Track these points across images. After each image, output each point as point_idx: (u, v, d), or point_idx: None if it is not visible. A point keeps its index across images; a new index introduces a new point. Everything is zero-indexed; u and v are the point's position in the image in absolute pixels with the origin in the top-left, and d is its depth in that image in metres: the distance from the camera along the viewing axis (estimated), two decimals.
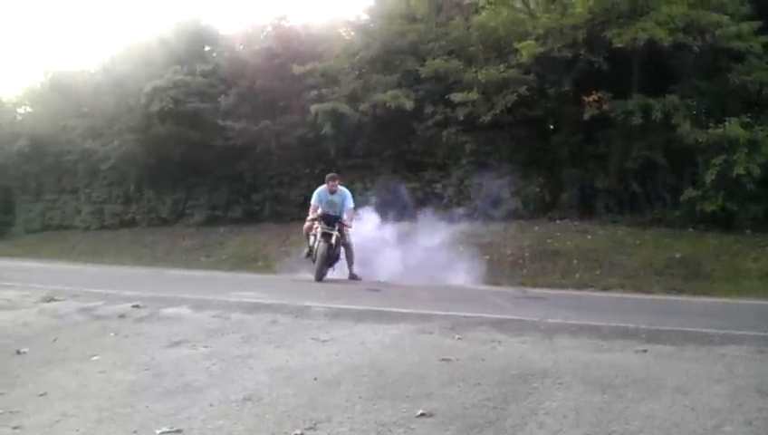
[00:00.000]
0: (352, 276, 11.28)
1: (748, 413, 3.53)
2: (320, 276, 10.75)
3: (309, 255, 11.41)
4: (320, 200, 11.44)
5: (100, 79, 20.72)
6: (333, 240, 10.96)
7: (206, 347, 5.03)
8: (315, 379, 4.16)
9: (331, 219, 11.14)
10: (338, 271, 11.45)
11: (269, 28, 19.32)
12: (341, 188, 11.65)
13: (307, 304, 6.75)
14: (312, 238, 11.33)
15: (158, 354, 4.87)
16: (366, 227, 12.48)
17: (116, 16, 34.83)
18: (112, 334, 5.57)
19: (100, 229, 20.70)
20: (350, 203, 11.54)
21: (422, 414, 3.53)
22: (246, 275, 11.98)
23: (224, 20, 32.04)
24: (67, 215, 22.46)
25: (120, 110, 20.19)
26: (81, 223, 21.70)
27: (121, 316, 6.25)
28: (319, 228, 11.00)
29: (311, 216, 11.42)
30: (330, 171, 12.73)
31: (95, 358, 4.86)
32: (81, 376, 4.46)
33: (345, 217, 11.28)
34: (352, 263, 11.42)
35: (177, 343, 5.16)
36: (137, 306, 6.64)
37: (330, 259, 11.08)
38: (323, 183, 11.72)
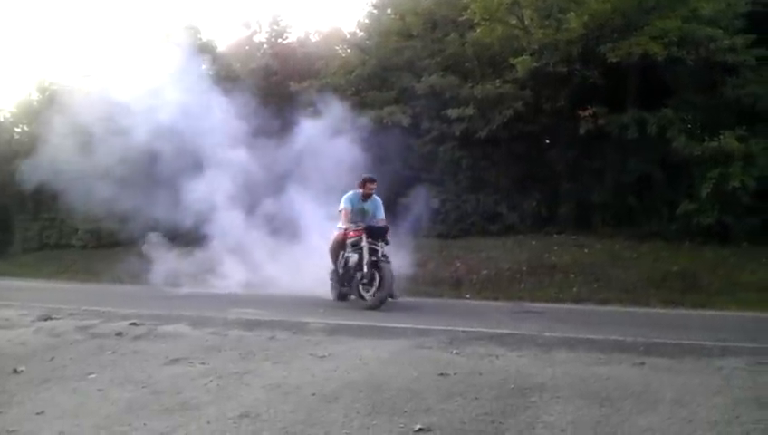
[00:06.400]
0: (392, 295, 9.47)
1: (746, 425, 3.54)
2: (344, 296, 9.85)
3: (338, 275, 9.93)
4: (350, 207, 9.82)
5: (96, 96, 20.69)
6: (377, 257, 9.25)
7: (203, 364, 5.03)
8: (313, 395, 4.16)
9: (379, 232, 9.46)
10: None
11: (266, 46, 19.40)
12: (374, 195, 10.01)
13: (305, 320, 6.77)
14: (341, 254, 9.75)
15: (155, 372, 4.87)
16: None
17: (112, 32, 34.87)
18: (110, 352, 5.56)
19: (97, 248, 20.64)
20: (382, 213, 9.97)
21: (420, 429, 3.54)
22: (245, 291, 11.90)
23: (221, 37, 32.28)
24: (64, 234, 22.38)
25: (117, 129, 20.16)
26: (78, 242, 21.64)
27: (119, 334, 6.26)
28: (365, 244, 9.22)
29: (344, 224, 9.62)
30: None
31: (92, 376, 4.86)
32: (78, 394, 4.46)
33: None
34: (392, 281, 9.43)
35: (175, 361, 5.16)
36: (134, 324, 6.65)
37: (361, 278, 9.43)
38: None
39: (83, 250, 20.99)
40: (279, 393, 4.23)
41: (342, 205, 9.76)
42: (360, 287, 9.35)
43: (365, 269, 9.14)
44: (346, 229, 9.57)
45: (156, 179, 14.45)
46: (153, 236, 14.84)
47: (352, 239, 9.44)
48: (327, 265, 10.90)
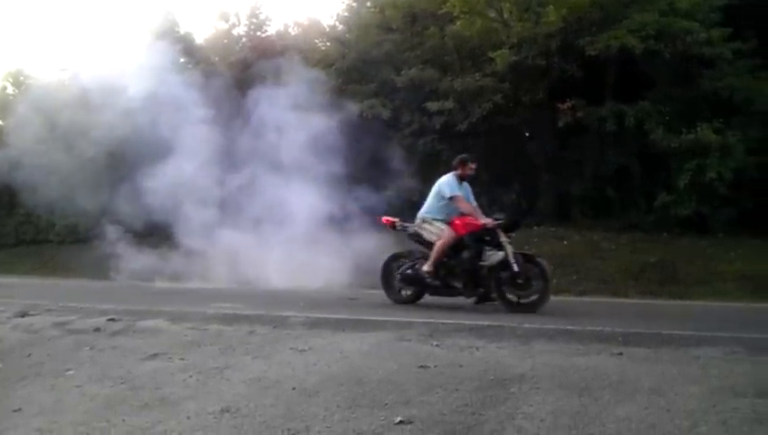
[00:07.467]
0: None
1: (723, 414, 3.58)
2: (417, 297, 8.72)
3: (437, 274, 8.25)
4: None
5: (73, 90, 20.44)
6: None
7: (182, 359, 5.00)
8: (293, 389, 4.15)
9: (516, 226, 8.59)
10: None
11: (244, 39, 19.27)
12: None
13: (285, 314, 6.75)
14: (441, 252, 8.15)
15: (134, 368, 4.84)
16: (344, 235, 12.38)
17: (89, 25, 34.41)
18: (87, 348, 5.51)
19: (74, 243, 20.44)
20: (473, 199, 8.68)
21: (401, 422, 3.54)
22: (224, 286, 11.84)
23: (199, 30, 31.91)
24: (41, 229, 22.11)
25: (92, 122, 19.92)
26: (55, 237, 21.39)
27: (96, 330, 6.20)
28: (504, 239, 7.85)
29: (482, 219, 8.10)
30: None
31: (70, 372, 4.81)
32: (56, 391, 4.41)
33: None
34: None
35: (154, 356, 5.12)
36: (112, 320, 6.60)
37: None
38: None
39: (60, 245, 20.75)
40: (259, 388, 4.22)
41: (451, 191, 8.22)
42: (510, 289, 7.90)
43: (516, 268, 7.72)
44: (464, 221, 8.14)
45: (129, 173, 14.31)
46: (112, 231, 14.73)
47: (477, 234, 8.06)
48: (305, 257, 10.91)
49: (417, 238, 8.63)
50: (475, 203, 8.58)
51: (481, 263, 7.95)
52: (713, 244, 12.21)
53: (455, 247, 8.14)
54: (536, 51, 14.02)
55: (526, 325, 5.87)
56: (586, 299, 10.21)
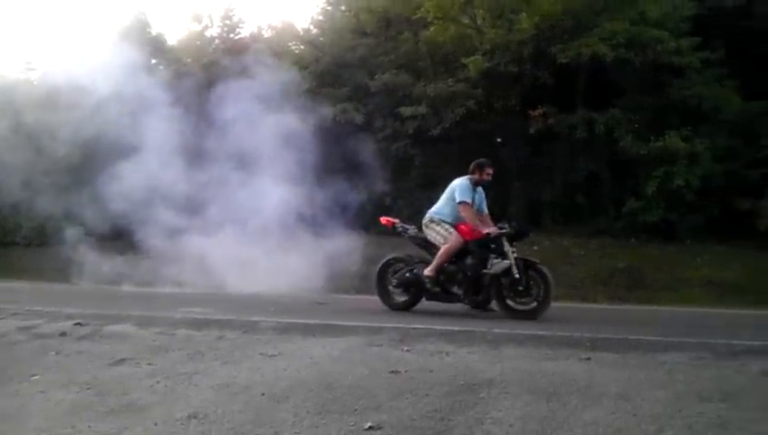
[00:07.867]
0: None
1: (688, 418, 3.64)
2: (412, 304, 8.35)
3: (436, 279, 7.96)
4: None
5: (41, 90, 20.14)
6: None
7: (150, 365, 4.94)
8: (263, 394, 4.13)
9: (523, 236, 8.33)
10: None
11: (218, 41, 19.15)
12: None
13: (255, 319, 6.69)
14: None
15: (100, 373, 4.77)
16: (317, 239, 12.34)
17: (59, 24, 33.93)
18: (53, 353, 5.42)
19: (41, 246, 20.13)
20: (485, 207, 8.47)
21: (370, 427, 3.54)
22: (189, 291, 11.67)
23: (171, 31, 31.68)
24: (7, 231, 21.74)
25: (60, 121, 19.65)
26: (21, 239, 21.04)
27: (63, 334, 6.10)
28: (509, 248, 7.62)
29: (476, 223, 7.88)
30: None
31: (35, 378, 4.74)
32: (20, 397, 4.34)
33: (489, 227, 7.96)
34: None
35: (121, 361, 5.06)
36: (79, 324, 6.49)
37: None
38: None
39: (27, 248, 20.42)
40: (228, 393, 4.19)
41: (461, 196, 7.98)
42: (510, 296, 7.72)
43: (517, 275, 7.53)
44: (470, 227, 7.85)
45: (97, 175, 14.12)
46: (79, 233, 14.51)
47: (482, 241, 7.78)
48: (275, 261, 10.85)
49: (419, 241, 8.40)
50: (486, 211, 8.40)
51: (484, 271, 7.71)
52: (680, 250, 12.41)
53: (458, 253, 7.90)
54: (509, 57, 14.15)
55: (496, 330, 5.89)
56: (555, 304, 10.24)
